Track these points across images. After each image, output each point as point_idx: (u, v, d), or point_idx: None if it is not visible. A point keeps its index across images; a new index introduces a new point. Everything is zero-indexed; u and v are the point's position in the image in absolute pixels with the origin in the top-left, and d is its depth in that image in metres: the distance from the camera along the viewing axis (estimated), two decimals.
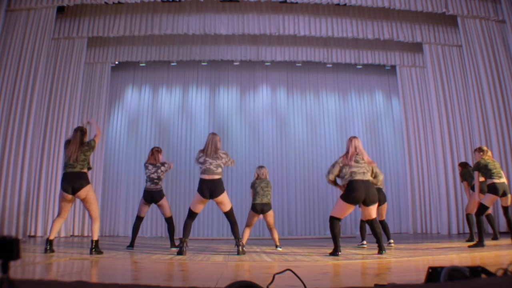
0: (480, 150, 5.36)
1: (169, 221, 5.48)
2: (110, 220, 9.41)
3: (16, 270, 2.68)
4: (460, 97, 8.57)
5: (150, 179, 5.44)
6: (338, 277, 2.58)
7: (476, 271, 1.50)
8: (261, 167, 5.56)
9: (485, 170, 5.12)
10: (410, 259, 3.54)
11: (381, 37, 8.69)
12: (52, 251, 4.29)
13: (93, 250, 4.32)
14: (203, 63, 10.36)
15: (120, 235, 9.31)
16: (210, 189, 4.43)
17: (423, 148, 9.10)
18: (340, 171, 4.29)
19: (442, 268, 1.51)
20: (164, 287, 1.49)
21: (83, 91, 8.77)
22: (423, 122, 9.17)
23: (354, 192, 4.11)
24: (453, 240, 6.23)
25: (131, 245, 5.27)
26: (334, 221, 4.22)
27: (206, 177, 4.47)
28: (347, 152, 4.32)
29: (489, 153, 5.31)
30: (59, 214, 4.50)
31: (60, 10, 8.23)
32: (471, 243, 5.09)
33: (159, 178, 5.44)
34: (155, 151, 5.62)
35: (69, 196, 4.41)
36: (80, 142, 4.53)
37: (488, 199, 5.01)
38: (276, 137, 10.27)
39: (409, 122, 9.29)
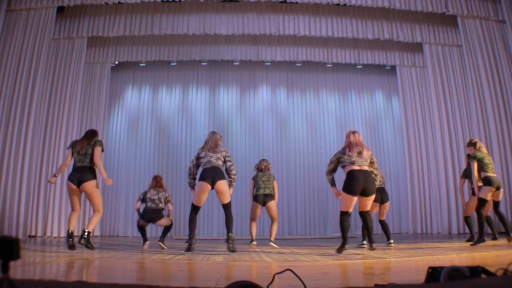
0: (471, 143, 5.20)
1: (169, 227, 5.54)
2: (110, 220, 9.41)
3: (16, 270, 2.68)
4: (460, 97, 8.57)
5: (151, 200, 5.43)
6: (338, 277, 2.58)
7: (476, 271, 1.49)
8: (262, 160, 5.66)
9: (481, 163, 5.05)
10: (410, 259, 3.54)
11: (381, 37, 8.70)
12: (72, 246, 4.23)
13: (83, 239, 4.29)
14: (203, 63, 10.37)
15: (120, 235, 9.32)
16: (212, 175, 4.43)
17: (423, 148, 9.10)
18: (339, 160, 4.33)
19: (442, 268, 1.51)
20: (164, 287, 1.49)
21: (83, 91, 8.78)
22: (423, 122, 9.17)
23: (353, 181, 4.17)
24: (453, 240, 6.22)
25: (145, 240, 5.40)
26: (343, 216, 4.30)
27: (208, 165, 4.49)
28: (348, 144, 4.34)
29: (483, 148, 5.18)
30: (72, 209, 4.55)
31: (60, 10, 8.24)
32: (471, 242, 5.10)
33: (159, 200, 5.44)
34: (159, 178, 5.66)
35: (74, 186, 4.41)
36: (89, 136, 4.61)
37: (485, 191, 4.99)
38: (276, 137, 10.28)
39: (409, 122, 9.29)
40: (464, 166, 8.13)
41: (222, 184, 4.45)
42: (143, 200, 5.49)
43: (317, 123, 10.47)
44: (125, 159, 9.89)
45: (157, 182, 5.60)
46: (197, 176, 4.65)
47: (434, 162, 8.69)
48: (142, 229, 5.54)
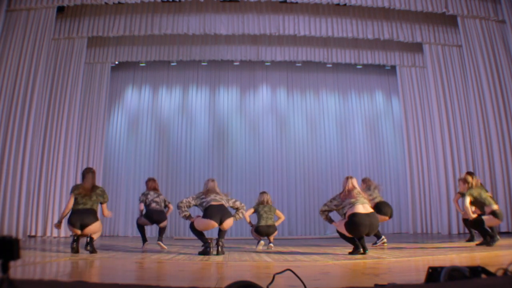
0: (466, 181, 5.08)
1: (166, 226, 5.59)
2: (110, 220, 9.38)
3: (16, 270, 2.68)
4: (460, 97, 8.57)
5: (154, 202, 5.46)
6: (338, 277, 2.58)
7: (476, 271, 1.50)
8: (263, 193, 5.71)
9: (479, 200, 4.93)
10: (410, 259, 3.55)
11: (381, 37, 8.69)
12: (76, 250, 4.27)
13: (88, 245, 4.35)
14: (203, 63, 10.37)
15: (120, 235, 9.31)
16: (220, 213, 4.44)
17: (423, 148, 9.10)
18: (339, 205, 4.31)
19: (442, 268, 1.51)
20: (164, 287, 1.49)
21: (83, 91, 8.77)
22: (423, 122, 9.16)
23: (359, 226, 4.08)
24: (453, 240, 6.23)
25: (145, 240, 5.45)
26: (345, 236, 4.26)
27: (214, 203, 4.50)
28: (345, 189, 4.33)
29: (475, 181, 5.04)
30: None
31: (60, 10, 8.23)
32: (476, 242, 5.11)
33: (161, 202, 5.51)
34: (157, 181, 5.73)
35: (78, 232, 4.37)
36: (92, 178, 4.59)
37: (491, 221, 4.83)
38: (276, 137, 10.28)
39: (409, 122, 9.29)
40: (463, 165, 8.17)
41: (229, 222, 4.52)
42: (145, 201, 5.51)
43: (317, 123, 10.47)
44: (125, 159, 9.89)
45: (155, 185, 5.65)
46: (196, 209, 4.70)
47: (434, 162, 8.68)
48: (142, 228, 5.55)
